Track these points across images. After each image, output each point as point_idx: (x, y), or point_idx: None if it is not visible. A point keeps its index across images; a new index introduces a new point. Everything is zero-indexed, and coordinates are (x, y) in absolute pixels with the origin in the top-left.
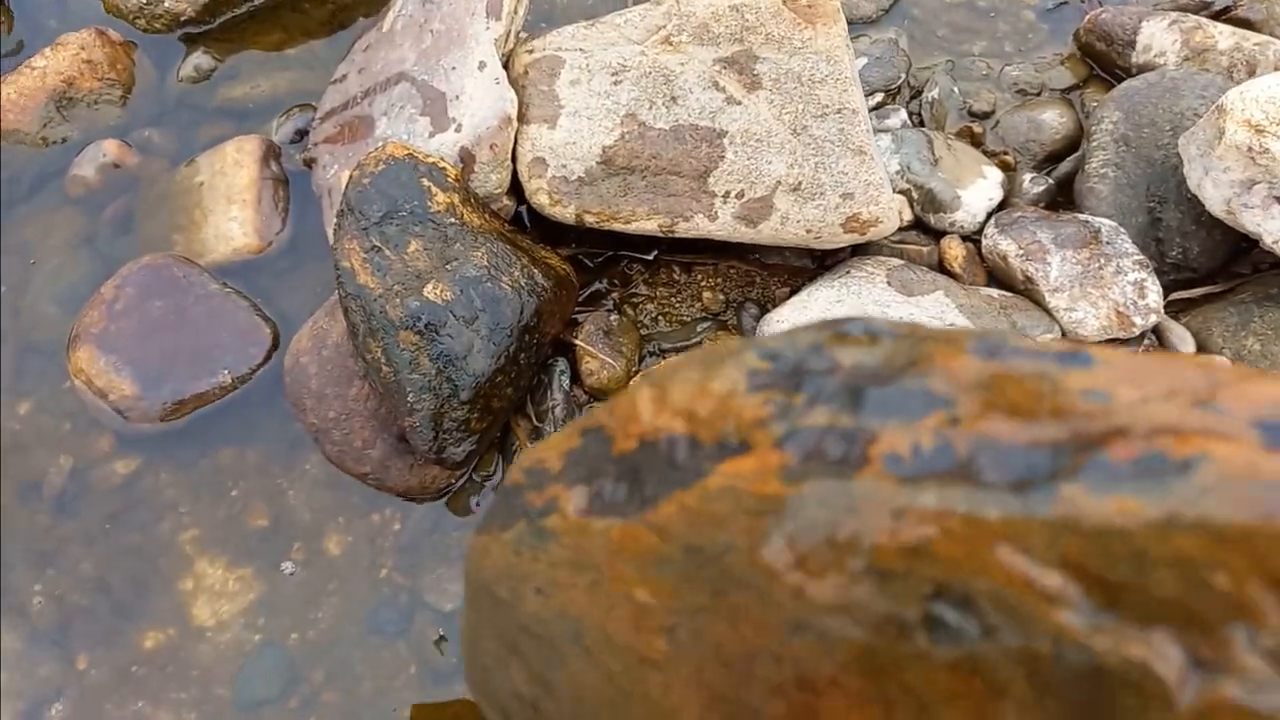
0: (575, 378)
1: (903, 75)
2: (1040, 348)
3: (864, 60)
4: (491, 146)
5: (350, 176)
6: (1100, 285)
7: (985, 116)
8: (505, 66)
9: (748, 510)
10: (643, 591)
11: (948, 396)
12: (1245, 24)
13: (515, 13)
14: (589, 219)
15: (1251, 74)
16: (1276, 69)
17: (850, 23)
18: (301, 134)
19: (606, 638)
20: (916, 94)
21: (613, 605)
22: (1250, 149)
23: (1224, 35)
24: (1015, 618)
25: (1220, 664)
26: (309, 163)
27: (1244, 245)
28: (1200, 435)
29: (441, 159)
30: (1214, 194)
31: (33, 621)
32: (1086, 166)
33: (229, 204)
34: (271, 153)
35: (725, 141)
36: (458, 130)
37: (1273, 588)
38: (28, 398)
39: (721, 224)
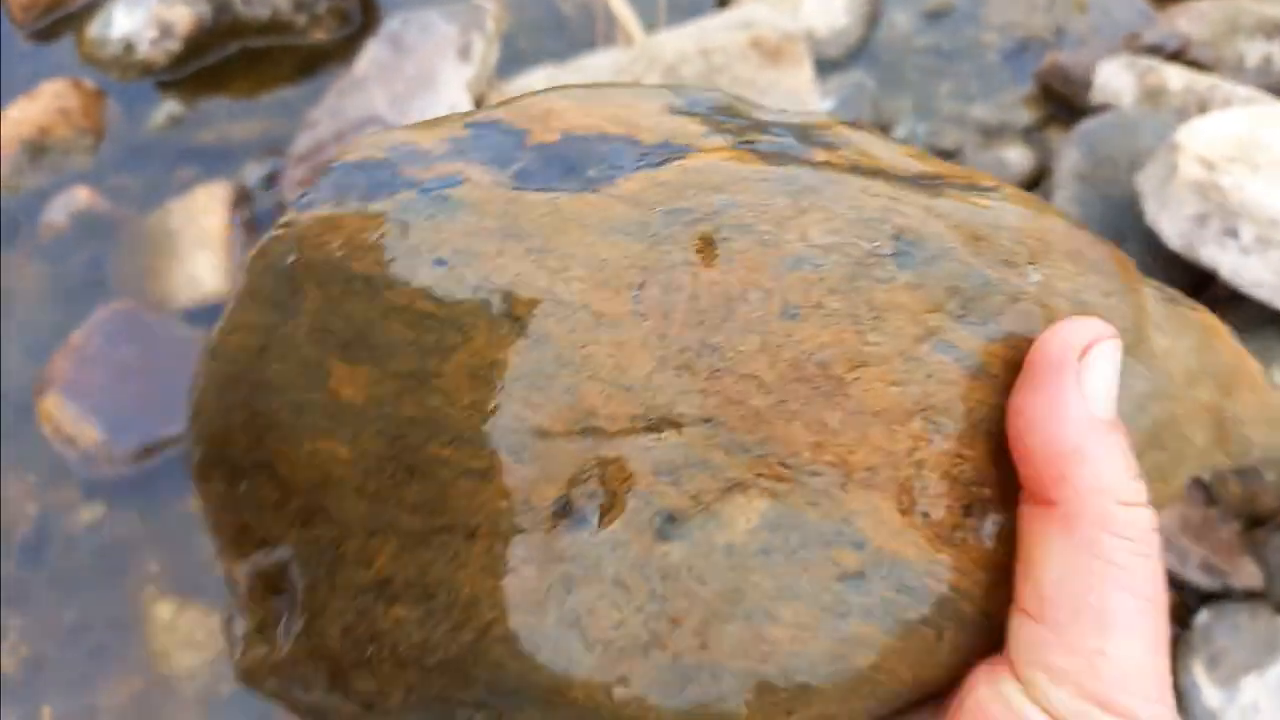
0: None
1: (869, 116)
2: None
3: (831, 101)
4: None
5: None
6: None
7: (951, 155)
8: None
9: (743, 177)
10: (607, 250)
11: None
12: (1197, 65)
13: (486, 56)
14: None
15: (1203, 113)
16: (1226, 108)
17: (817, 64)
18: (272, 179)
19: (554, 300)
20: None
21: (564, 268)
22: (1202, 184)
23: (1176, 77)
24: None
25: None
26: (281, 207)
27: (1203, 279)
28: None
29: None
30: (1170, 228)
31: (0, 670)
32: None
33: (199, 249)
34: (242, 198)
35: None
36: None
37: None
38: None
39: None
